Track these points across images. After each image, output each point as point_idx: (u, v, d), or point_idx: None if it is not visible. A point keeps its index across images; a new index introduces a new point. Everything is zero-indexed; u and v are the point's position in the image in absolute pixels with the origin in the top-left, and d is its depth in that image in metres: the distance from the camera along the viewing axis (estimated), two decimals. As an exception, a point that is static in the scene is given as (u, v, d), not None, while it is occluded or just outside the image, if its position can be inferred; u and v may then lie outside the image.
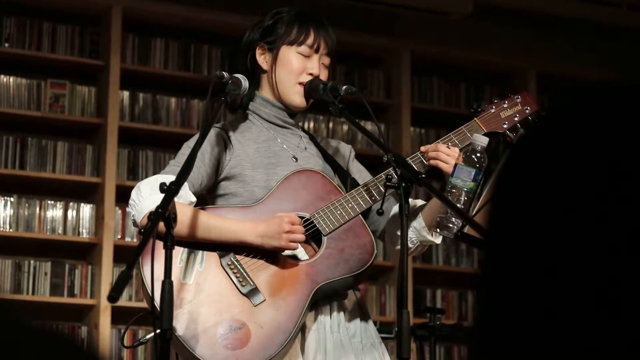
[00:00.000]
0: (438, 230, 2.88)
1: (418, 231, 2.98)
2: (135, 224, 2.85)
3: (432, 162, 2.95)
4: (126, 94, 5.94)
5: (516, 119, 3.13)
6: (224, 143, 3.00)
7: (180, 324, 2.74)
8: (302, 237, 2.84)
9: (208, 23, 6.15)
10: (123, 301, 5.51)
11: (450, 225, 2.84)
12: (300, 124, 3.17)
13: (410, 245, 2.99)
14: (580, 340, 0.81)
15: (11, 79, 5.78)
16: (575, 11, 6.85)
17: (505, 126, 3.10)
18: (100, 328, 5.49)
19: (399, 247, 2.80)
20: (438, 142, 3.01)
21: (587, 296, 0.81)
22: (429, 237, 2.98)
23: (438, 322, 4.64)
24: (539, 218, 0.84)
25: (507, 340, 0.85)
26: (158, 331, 2.51)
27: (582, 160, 0.84)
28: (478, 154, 2.86)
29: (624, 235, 0.81)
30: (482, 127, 3.07)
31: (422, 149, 3.00)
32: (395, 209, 3.03)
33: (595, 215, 0.82)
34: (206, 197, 3.04)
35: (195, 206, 2.89)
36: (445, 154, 2.92)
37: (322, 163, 3.09)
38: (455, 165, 2.86)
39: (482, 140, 2.88)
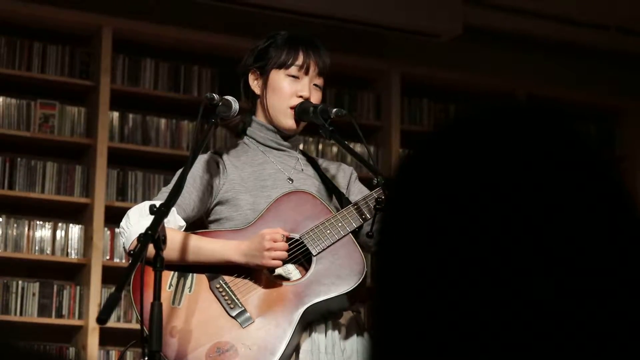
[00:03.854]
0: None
1: None
2: (125, 250, 2.84)
3: None
4: (116, 114, 5.93)
5: None
6: (217, 168, 2.99)
7: (170, 349, 2.73)
8: (284, 254, 2.81)
9: (198, 44, 6.16)
10: (111, 322, 5.48)
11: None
12: (300, 146, 3.18)
13: None
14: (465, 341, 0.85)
15: (0, 99, 5.77)
16: (565, 34, 6.87)
17: None
18: (88, 349, 5.46)
19: None
20: None
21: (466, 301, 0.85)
22: None
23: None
24: (425, 230, 0.89)
25: (401, 343, 0.89)
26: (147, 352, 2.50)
27: (463, 174, 0.90)
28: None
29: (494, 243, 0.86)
30: None
31: None
32: None
33: (474, 228, 0.87)
34: (205, 222, 3.02)
35: (187, 231, 2.89)
36: None
37: (319, 184, 3.09)
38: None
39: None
